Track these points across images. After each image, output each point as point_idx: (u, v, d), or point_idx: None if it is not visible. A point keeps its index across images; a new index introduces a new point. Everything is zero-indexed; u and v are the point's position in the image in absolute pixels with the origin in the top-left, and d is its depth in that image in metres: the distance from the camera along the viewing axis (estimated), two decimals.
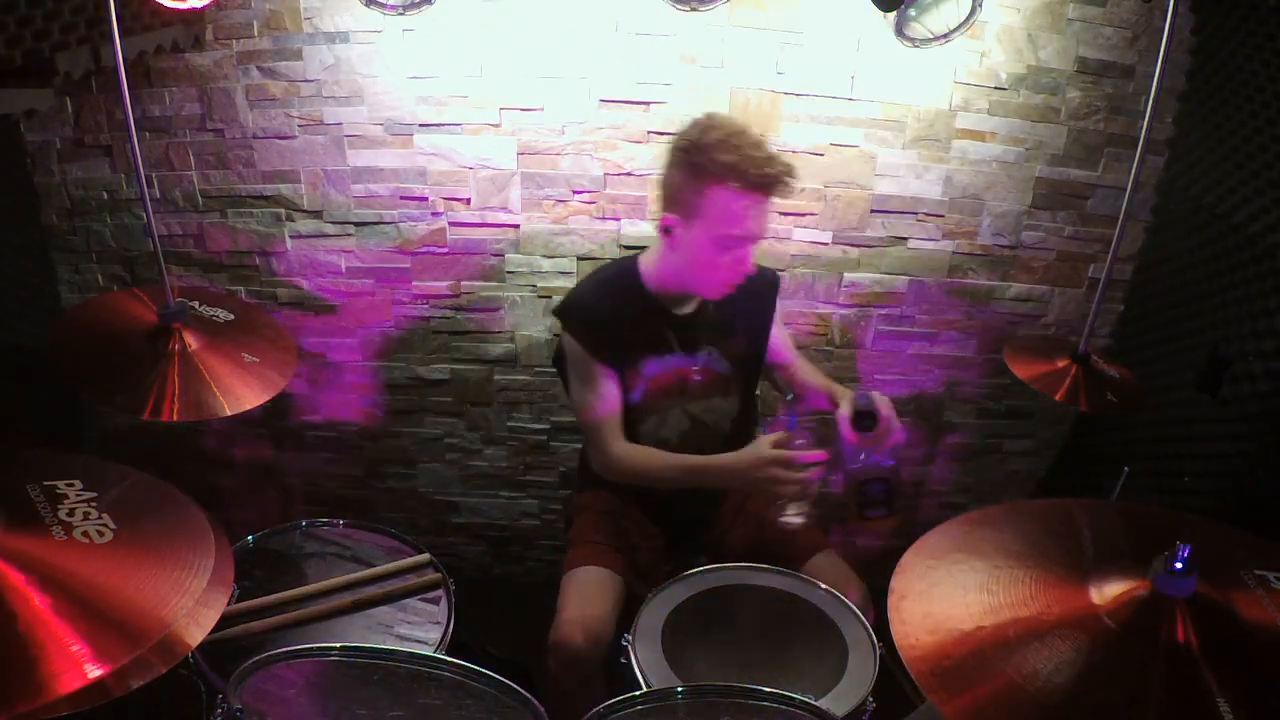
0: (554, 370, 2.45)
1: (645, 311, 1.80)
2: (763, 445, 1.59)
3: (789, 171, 1.59)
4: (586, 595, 1.74)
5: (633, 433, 1.83)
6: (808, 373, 1.99)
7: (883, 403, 1.62)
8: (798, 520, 1.62)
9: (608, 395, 1.77)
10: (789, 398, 1.80)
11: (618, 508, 1.96)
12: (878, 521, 1.62)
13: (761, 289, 1.88)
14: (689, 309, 1.83)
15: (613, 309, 1.78)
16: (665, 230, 1.68)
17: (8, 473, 1.12)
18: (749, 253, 1.67)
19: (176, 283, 1.78)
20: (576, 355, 1.78)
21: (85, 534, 1.04)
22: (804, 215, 2.32)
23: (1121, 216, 1.82)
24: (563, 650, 1.65)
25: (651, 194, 2.27)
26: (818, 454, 1.56)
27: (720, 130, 1.60)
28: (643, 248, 2.30)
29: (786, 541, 1.90)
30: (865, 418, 1.62)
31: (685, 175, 1.61)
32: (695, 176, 1.59)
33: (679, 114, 2.18)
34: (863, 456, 1.61)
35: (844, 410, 1.64)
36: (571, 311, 1.80)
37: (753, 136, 1.60)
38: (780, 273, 2.37)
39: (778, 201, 1.63)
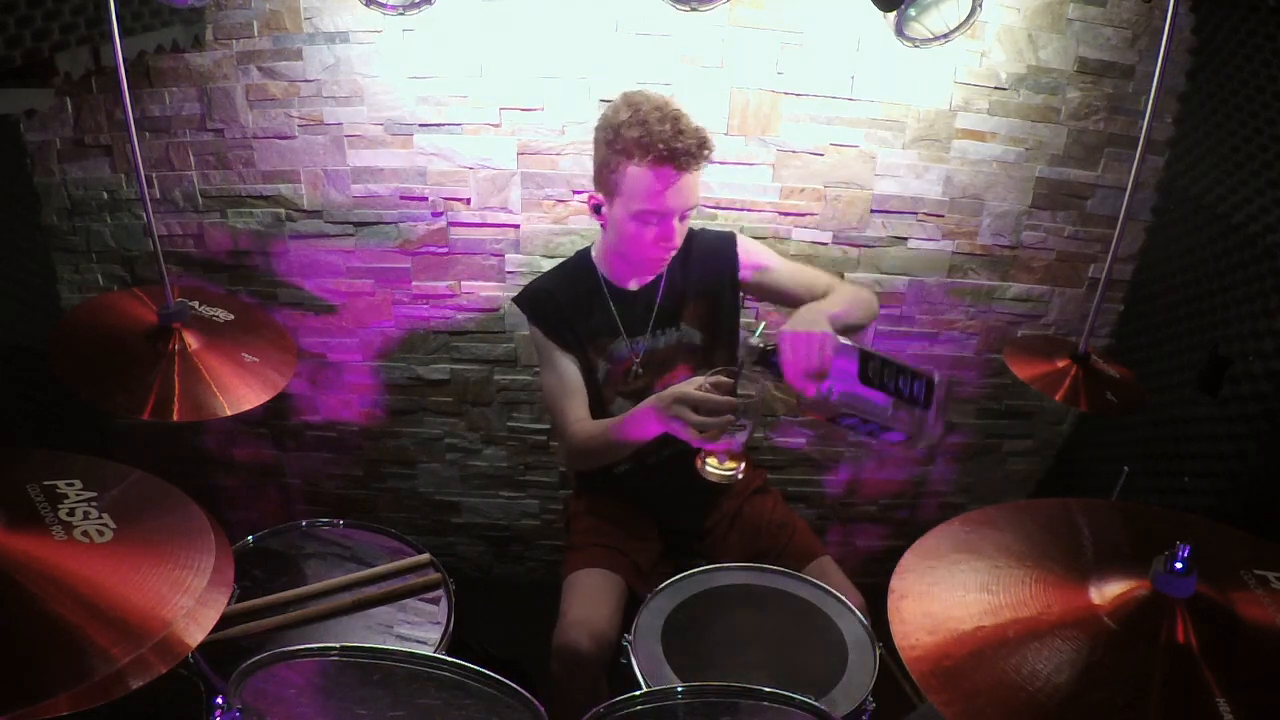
0: None
1: (594, 292, 1.84)
2: (684, 385, 1.51)
3: (701, 144, 1.59)
4: (590, 598, 1.74)
5: (604, 416, 1.83)
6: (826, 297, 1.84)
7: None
8: (716, 474, 1.53)
9: (566, 377, 1.81)
10: (757, 337, 1.52)
11: (617, 510, 1.95)
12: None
13: (714, 251, 1.87)
14: (636, 286, 1.86)
15: (565, 292, 1.83)
16: (594, 210, 1.73)
17: (8, 473, 1.12)
18: (672, 227, 1.67)
19: (176, 283, 1.78)
20: (537, 340, 1.83)
21: (85, 534, 1.04)
22: (804, 215, 2.32)
23: (1121, 216, 1.82)
24: (568, 654, 1.64)
25: None
26: (726, 400, 1.45)
27: (631, 107, 1.61)
28: None
29: (783, 550, 1.89)
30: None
31: (604, 153, 1.65)
32: (611, 154, 1.62)
33: None
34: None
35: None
36: (527, 298, 1.86)
37: (665, 110, 1.60)
38: None
39: (697, 175, 1.63)
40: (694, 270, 1.85)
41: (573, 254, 1.95)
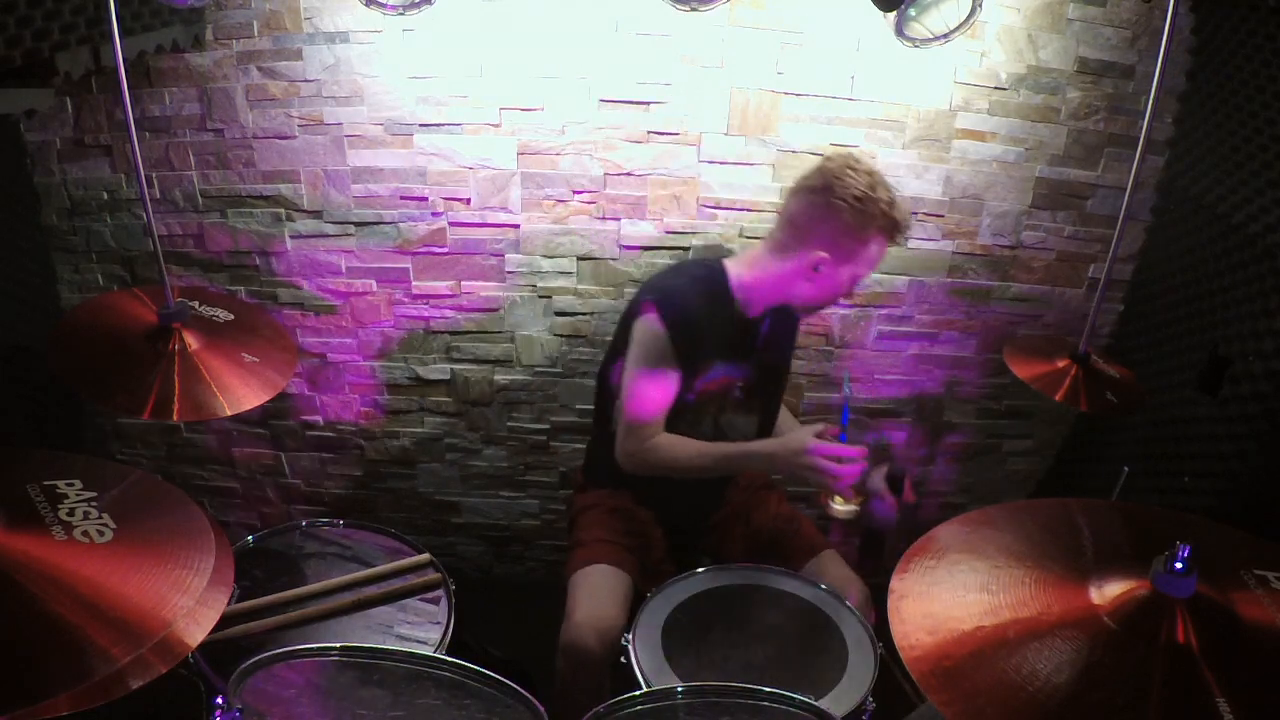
0: (554, 370, 2.47)
1: (723, 312, 1.81)
2: (805, 434, 1.65)
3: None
4: (597, 595, 1.74)
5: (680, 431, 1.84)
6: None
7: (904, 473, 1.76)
8: (843, 511, 1.69)
9: (666, 391, 1.77)
10: (847, 389, 1.84)
11: (624, 506, 1.96)
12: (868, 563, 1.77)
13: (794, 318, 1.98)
14: (756, 317, 1.86)
15: (705, 310, 1.78)
16: (815, 267, 1.72)
17: (8, 473, 1.12)
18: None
19: (176, 283, 1.78)
20: (655, 344, 1.74)
21: (85, 534, 1.04)
22: None
23: (1121, 216, 1.82)
24: (575, 652, 1.64)
25: (652, 194, 2.27)
26: (858, 449, 1.63)
27: (883, 186, 1.69)
28: (642, 248, 2.33)
29: (789, 544, 1.90)
30: (895, 481, 1.75)
31: (853, 223, 1.67)
32: (863, 226, 1.67)
33: (679, 114, 2.19)
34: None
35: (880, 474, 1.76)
36: (671, 304, 1.75)
37: (894, 191, 1.73)
38: None
39: None
40: (785, 315, 1.92)
41: (697, 265, 1.92)
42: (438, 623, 1.60)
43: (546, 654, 1.72)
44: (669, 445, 1.78)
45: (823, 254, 1.70)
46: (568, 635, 1.66)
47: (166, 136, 2.17)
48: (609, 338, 2.40)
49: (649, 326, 1.74)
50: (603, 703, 1.24)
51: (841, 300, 1.92)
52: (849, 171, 1.67)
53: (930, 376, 2.57)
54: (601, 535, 1.89)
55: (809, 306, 1.85)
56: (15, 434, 2.02)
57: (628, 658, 1.51)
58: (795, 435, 1.69)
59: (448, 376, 2.49)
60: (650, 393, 1.76)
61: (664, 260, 2.34)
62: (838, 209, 1.67)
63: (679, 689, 1.27)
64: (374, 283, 2.36)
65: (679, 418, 1.84)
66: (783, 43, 2.13)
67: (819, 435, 1.65)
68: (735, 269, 1.82)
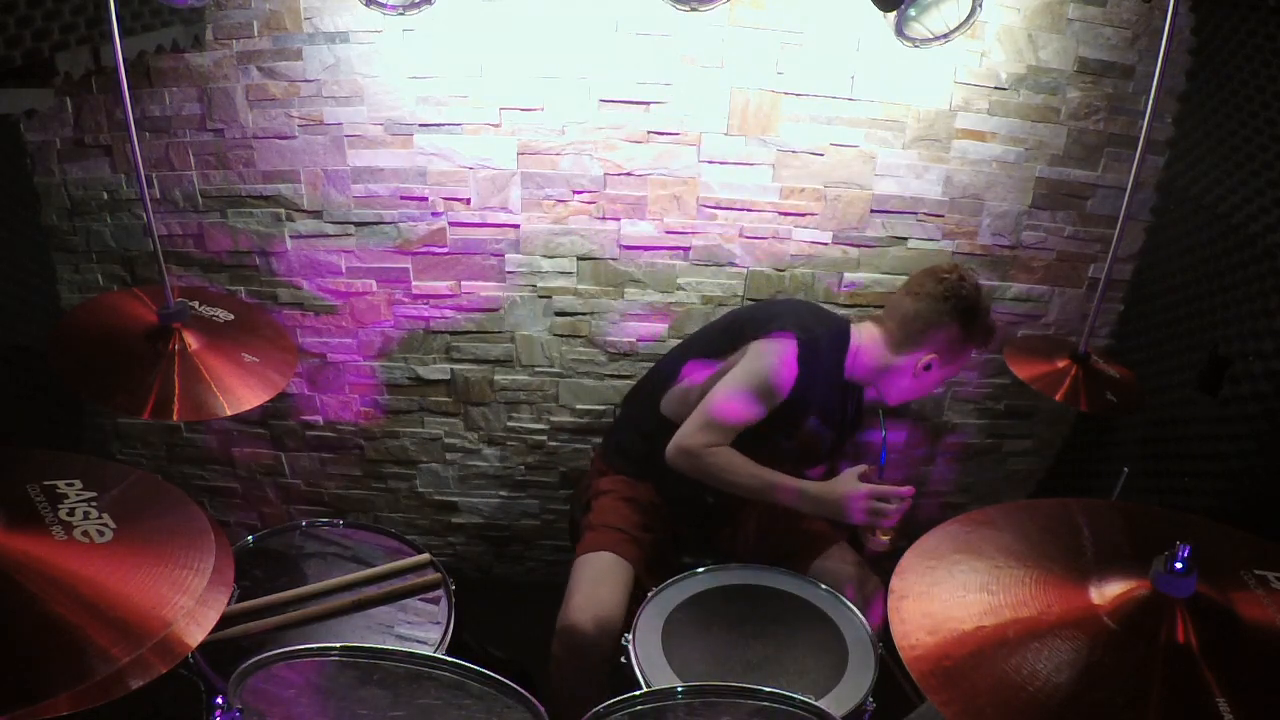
0: (554, 370, 2.47)
1: (837, 382, 1.95)
2: (850, 477, 1.76)
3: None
4: (599, 582, 1.76)
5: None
6: None
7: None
8: (887, 543, 1.77)
9: (755, 414, 1.83)
10: (884, 430, 1.93)
11: (640, 495, 1.97)
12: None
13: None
14: (855, 386, 1.99)
15: (824, 368, 1.89)
16: (926, 367, 1.89)
17: (8, 473, 1.12)
18: None
19: (176, 283, 1.78)
20: (775, 373, 1.82)
21: (85, 534, 1.04)
22: (804, 215, 2.32)
23: (1121, 216, 1.82)
24: (572, 635, 1.65)
25: (652, 194, 2.27)
26: (906, 489, 1.73)
27: (987, 298, 1.92)
28: (642, 248, 2.33)
29: (800, 536, 1.91)
30: None
31: (963, 334, 1.88)
32: (971, 335, 1.89)
33: (679, 114, 2.18)
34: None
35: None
36: (808, 347, 1.85)
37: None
38: (780, 272, 2.38)
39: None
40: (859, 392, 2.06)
41: (833, 318, 2.01)
42: (438, 623, 1.60)
43: (546, 654, 1.72)
44: (728, 456, 1.82)
45: (934, 357, 1.88)
46: (565, 618, 1.68)
47: (166, 136, 2.17)
48: (609, 337, 2.42)
49: (778, 356, 1.82)
50: (598, 693, 1.24)
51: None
52: (964, 284, 1.86)
53: None
54: (614, 522, 1.90)
55: (904, 397, 1.98)
56: (15, 434, 2.02)
57: (628, 658, 1.51)
58: (842, 479, 1.77)
59: (448, 376, 2.49)
60: (742, 408, 1.82)
61: (664, 260, 2.34)
62: (954, 318, 1.85)
63: (679, 689, 1.27)
64: (374, 283, 2.36)
65: (772, 454, 1.89)
66: (783, 43, 2.13)
67: (862, 477, 1.75)
68: (856, 339, 1.94)
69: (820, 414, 1.94)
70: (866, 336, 1.94)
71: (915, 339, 1.88)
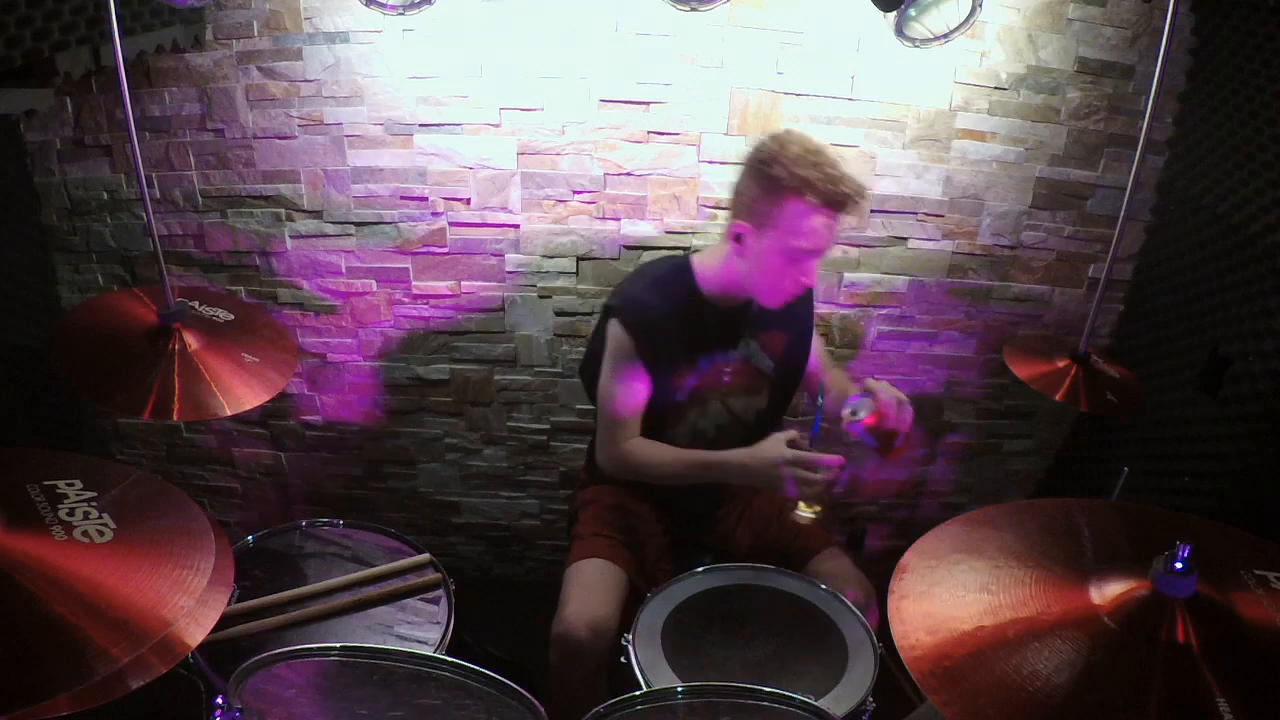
0: (554, 370, 2.47)
1: (698, 315, 1.80)
2: (778, 443, 1.61)
3: (861, 192, 1.62)
4: (590, 588, 1.75)
5: (672, 426, 1.85)
6: (839, 381, 1.98)
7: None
8: (809, 517, 1.64)
9: (635, 393, 1.78)
10: (820, 398, 1.77)
11: (625, 502, 1.96)
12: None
13: (804, 296, 1.89)
14: (735, 306, 1.83)
15: (668, 311, 1.77)
16: (736, 238, 1.69)
17: (8, 473, 1.12)
18: (814, 265, 1.69)
19: (176, 283, 1.78)
20: (621, 349, 1.77)
21: (85, 534, 1.04)
22: None
23: (1121, 216, 1.82)
24: (566, 643, 1.65)
25: (652, 194, 2.27)
26: (835, 458, 1.58)
27: (799, 145, 1.62)
28: (642, 248, 2.33)
29: (792, 540, 1.90)
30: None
31: (762, 187, 1.63)
32: (773, 189, 1.61)
33: (679, 114, 2.19)
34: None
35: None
36: (628, 308, 1.77)
37: (830, 154, 1.63)
38: None
39: (844, 220, 1.66)
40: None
41: (662, 263, 1.89)
42: (438, 623, 1.60)
43: (546, 654, 1.72)
44: (644, 449, 1.79)
45: (743, 224, 1.67)
46: (559, 627, 1.67)
47: (166, 136, 2.17)
48: None
49: (613, 332, 1.77)
50: (599, 699, 1.24)
51: (805, 283, 1.74)
52: (766, 139, 1.66)
53: (930, 376, 2.57)
54: (600, 530, 1.89)
55: (768, 291, 1.74)
56: (15, 434, 2.02)
57: (628, 658, 1.51)
58: (768, 444, 1.64)
59: (448, 376, 2.49)
60: (621, 396, 1.78)
61: None
62: (750, 174, 1.66)
63: (679, 689, 1.27)
64: (374, 283, 2.36)
65: (682, 414, 1.84)
66: (783, 43, 2.13)
67: (791, 443, 1.61)
68: (701, 264, 1.82)
69: (704, 350, 1.83)
70: (709, 251, 1.84)
71: (732, 216, 1.71)
